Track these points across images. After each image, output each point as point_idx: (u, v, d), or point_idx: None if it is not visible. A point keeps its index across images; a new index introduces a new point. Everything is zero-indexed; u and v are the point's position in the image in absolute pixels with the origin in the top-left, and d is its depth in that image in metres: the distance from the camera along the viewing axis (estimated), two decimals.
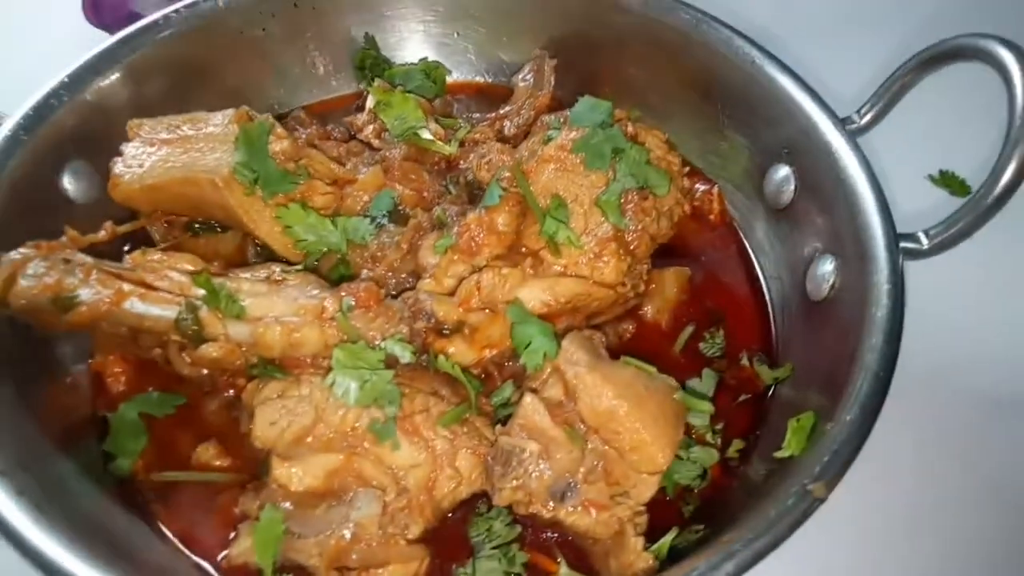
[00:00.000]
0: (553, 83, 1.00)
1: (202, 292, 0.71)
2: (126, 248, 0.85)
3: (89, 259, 0.74)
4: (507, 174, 0.79)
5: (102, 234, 0.79)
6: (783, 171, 0.89)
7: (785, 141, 0.89)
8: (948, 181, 0.87)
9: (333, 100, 1.08)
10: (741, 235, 0.96)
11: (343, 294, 0.73)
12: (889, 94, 0.83)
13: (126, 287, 0.72)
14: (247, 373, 0.74)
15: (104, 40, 0.92)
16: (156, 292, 0.72)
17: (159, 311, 0.71)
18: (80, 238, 0.76)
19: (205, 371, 0.76)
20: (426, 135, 0.92)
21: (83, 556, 0.57)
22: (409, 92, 0.98)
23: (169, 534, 0.73)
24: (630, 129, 0.81)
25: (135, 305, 0.71)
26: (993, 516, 0.80)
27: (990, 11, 1.29)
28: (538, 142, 0.85)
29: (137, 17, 1.11)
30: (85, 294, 0.70)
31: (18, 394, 0.70)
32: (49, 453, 0.69)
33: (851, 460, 0.62)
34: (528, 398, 0.69)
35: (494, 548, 0.71)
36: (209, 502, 0.74)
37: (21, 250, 0.73)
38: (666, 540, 0.68)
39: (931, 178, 0.87)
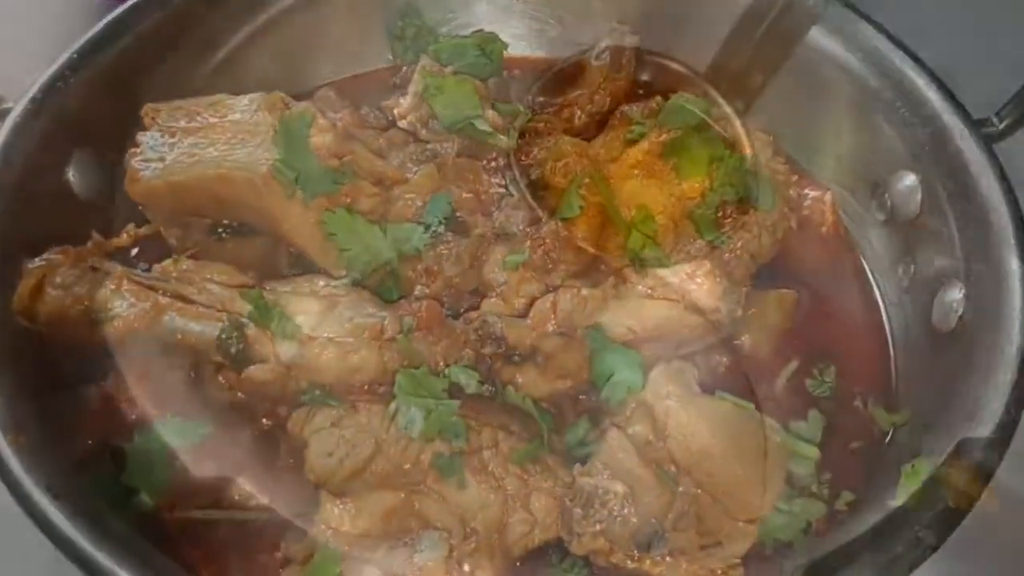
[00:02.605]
0: (635, 65, 1.25)
1: (248, 308, 0.95)
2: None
3: (119, 268, 0.99)
4: (587, 180, 1.03)
5: (124, 238, 1.04)
6: (909, 179, 1.12)
7: (912, 143, 1.11)
8: None
9: (363, 76, 1.32)
10: (858, 252, 1.19)
11: (402, 313, 0.98)
12: None
13: (162, 300, 0.96)
14: (294, 401, 0.98)
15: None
16: (195, 307, 0.96)
17: (199, 328, 0.95)
18: (106, 243, 1.01)
19: (241, 396, 1.00)
20: (483, 126, 1.15)
21: None
22: (460, 72, 1.23)
23: None
24: (730, 132, 1.05)
25: (174, 321, 0.95)
26: None
27: None
28: (619, 140, 1.10)
29: None
30: (120, 307, 0.95)
31: (41, 417, 0.94)
32: (76, 484, 0.93)
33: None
34: (614, 433, 0.93)
35: None
36: (247, 544, 0.97)
37: (46, 256, 0.97)
38: None
39: None
